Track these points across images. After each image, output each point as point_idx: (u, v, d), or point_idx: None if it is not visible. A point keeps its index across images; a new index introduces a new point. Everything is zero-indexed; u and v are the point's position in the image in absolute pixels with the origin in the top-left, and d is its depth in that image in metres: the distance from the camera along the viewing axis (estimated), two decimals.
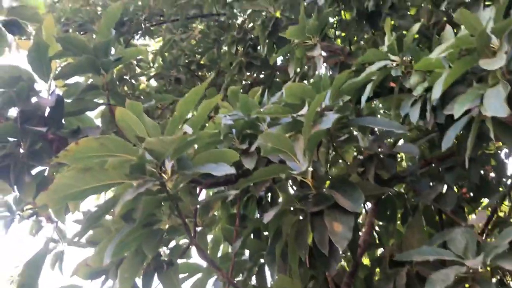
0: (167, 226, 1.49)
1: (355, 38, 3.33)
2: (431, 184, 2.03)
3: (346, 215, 1.37)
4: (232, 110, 2.59)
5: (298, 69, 2.87)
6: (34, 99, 1.88)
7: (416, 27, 1.88)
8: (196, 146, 1.35)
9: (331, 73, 2.53)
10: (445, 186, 2.01)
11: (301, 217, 1.47)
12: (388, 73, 1.94)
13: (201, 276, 1.93)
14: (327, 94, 1.60)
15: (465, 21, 1.41)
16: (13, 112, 1.90)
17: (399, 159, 3.04)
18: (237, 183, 1.46)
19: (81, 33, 3.39)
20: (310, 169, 1.41)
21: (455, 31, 1.82)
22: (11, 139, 1.70)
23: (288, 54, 3.39)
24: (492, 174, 2.40)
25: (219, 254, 2.23)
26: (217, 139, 1.84)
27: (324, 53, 2.59)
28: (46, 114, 1.86)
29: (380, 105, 3.60)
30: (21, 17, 1.97)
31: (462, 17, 1.39)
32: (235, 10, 3.68)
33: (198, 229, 1.89)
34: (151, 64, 4.24)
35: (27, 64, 1.86)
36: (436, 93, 1.52)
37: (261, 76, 3.91)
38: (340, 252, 1.43)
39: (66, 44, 1.77)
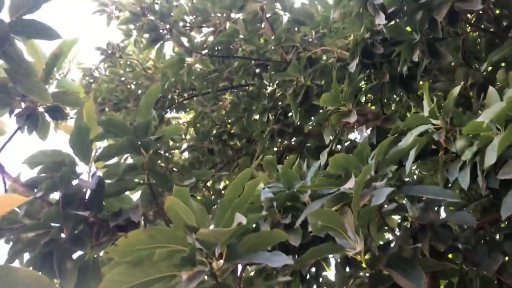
0: None
1: (386, 100, 3.32)
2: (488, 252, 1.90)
3: None
4: (268, 179, 2.56)
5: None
6: (74, 181, 1.89)
7: (456, 90, 1.85)
8: None
9: (366, 136, 2.48)
10: None
11: None
12: (430, 137, 1.90)
13: None
14: (372, 165, 1.55)
15: None
16: (54, 194, 1.92)
17: None
18: (288, 268, 1.38)
19: (116, 111, 3.51)
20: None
21: None
22: (54, 224, 1.68)
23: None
24: None
25: None
26: (260, 214, 1.79)
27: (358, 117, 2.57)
28: (86, 197, 1.87)
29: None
30: (63, 102, 2.03)
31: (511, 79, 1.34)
32: (264, 80, 3.75)
33: None
34: (184, 136, 4.31)
35: (64, 144, 1.91)
36: (490, 159, 1.45)
37: (292, 141, 3.90)
38: None
39: (108, 126, 1.79)
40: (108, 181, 1.92)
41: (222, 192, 3.92)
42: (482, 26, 2.57)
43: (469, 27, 2.81)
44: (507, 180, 1.52)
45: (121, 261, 1.02)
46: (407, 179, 2.51)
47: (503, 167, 1.55)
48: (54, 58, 1.93)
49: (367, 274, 1.39)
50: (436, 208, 1.91)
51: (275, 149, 3.84)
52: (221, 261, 1.13)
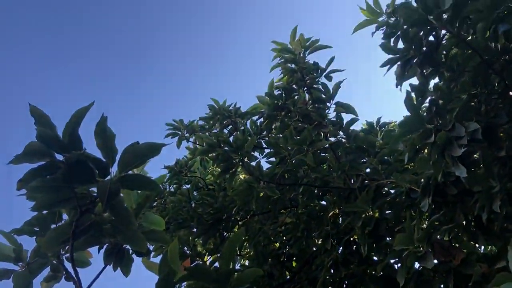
0: None
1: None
2: None
3: None
4: None
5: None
6: None
7: None
8: None
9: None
10: None
11: None
12: None
13: None
14: None
15: None
16: None
17: None
18: None
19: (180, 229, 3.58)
20: None
21: None
22: None
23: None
24: None
25: None
26: None
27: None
28: None
29: None
30: (148, 239, 2.09)
31: None
32: (323, 202, 3.77)
33: None
34: (238, 252, 4.30)
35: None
36: None
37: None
38: None
39: (194, 273, 1.83)
40: None
41: None
42: None
43: None
44: None
45: None
46: None
47: None
48: (146, 199, 2.04)
49: None
50: None
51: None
52: None
